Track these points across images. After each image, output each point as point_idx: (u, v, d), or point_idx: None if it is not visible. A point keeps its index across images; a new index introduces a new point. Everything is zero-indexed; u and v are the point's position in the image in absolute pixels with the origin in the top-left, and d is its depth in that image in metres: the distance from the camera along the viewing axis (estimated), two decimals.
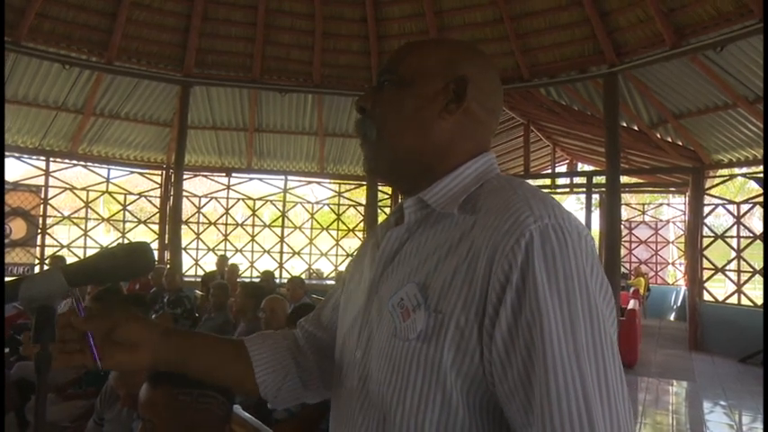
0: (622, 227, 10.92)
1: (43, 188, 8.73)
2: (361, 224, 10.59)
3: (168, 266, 7.44)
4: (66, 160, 8.96)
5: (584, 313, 0.63)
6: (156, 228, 9.76)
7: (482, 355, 0.66)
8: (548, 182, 10.53)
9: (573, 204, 22.39)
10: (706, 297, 8.34)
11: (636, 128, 8.19)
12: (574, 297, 0.63)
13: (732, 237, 8.47)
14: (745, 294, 8.02)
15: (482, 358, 0.66)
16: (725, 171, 8.55)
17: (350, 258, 10.80)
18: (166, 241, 9.23)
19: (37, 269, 8.42)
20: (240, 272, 10.02)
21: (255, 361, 0.93)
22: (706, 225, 8.51)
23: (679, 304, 11.75)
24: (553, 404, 0.59)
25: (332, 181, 10.79)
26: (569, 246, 0.65)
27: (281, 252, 10.33)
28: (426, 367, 0.68)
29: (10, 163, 8.57)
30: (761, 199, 7.67)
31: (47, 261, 8.39)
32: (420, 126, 0.81)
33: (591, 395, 0.59)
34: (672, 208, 14.23)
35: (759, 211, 8.07)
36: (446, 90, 0.81)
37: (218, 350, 0.95)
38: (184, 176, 8.74)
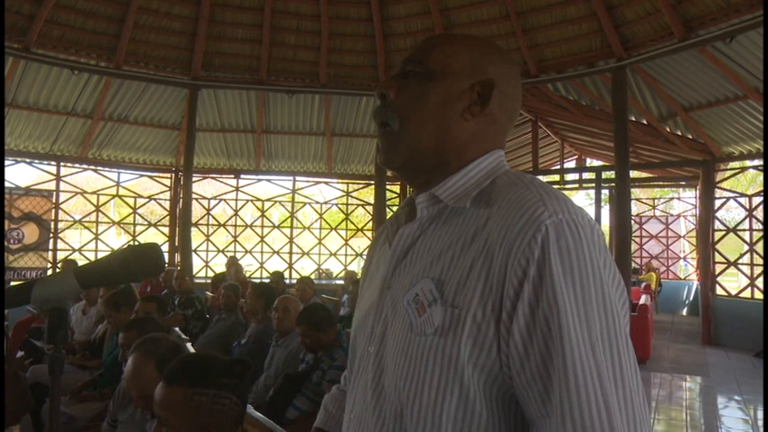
0: (633, 222, 10.86)
1: (54, 193, 8.81)
2: (370, 223, 10.60)
3: (178, 268, 7.48)
4: (77, 165, 9.04)
5: (598, 306, 0.64)
6: (166, 230, 9.82)
7: (499, 348, 0.67)
8: (557, 178, 10.45)
9: (582, 200, 22.28)
10: (719, 291, 8.26)
11: (645, 122, 8.13)
12: (588, 290, 0.64)
13: (744, 230, 8.38)
14: (758, 288, 7.93)
15: (499, 351, 0.67)
16: (736, 164, 8.45)
17: (359, 258, 10.84)
18: (176, 243, 9.29)
19: (49, 273, 8.50)
20: (250, 273, 10.11)
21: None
22: (717, 219, 8.42)
23: (691, 299, 11.65)
24: (572, 394, 0.61)
25: (340, 181, 10.80)
26: (583, 240, 0.66)
27: (291, 252, 10.36)
28: (444, 361, 0.69)
29: (22, 168, 8.66)
30: None
31: (59, 265, 8.48)
32: (442, 123, 0.81)
33: (607, 385, 0.61)
34: (683, 202, 14.09)
35: None
36: (471, 91, 0.81)
37: None
38: (193, 179, 8.79)
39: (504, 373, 0.67)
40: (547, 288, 0.64)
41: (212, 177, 10.28)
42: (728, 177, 8.84)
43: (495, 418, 0.69)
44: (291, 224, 10.42)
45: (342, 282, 8.71)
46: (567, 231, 0.66)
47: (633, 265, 10.17)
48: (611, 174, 8.22)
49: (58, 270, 8.33)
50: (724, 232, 8.45)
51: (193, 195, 8.97)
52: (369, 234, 10.73)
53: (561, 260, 0.64)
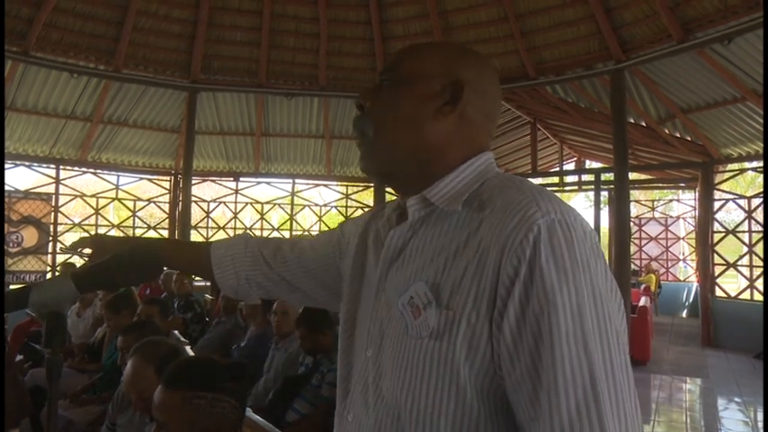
0: (632, 224, 10.86)
1: (54, 196, 8.81)
2: None
3: (178, 271, 7.47)
4: (76, 168, 9.04)
5: (590, 304, 0.64)
6: (165, 233, 9.81)
7: (493, 349, 0.67)
8: (556, 180, 10.46)
9: (581, 202, 22.28)
10: (718, 293, 8.27)
11: (644, 124, 8.14)
12: (581, 288, 0.64)
13: (743, 232, 8.39)
14: (757, 289, 7.94)
15: (494, 353, 0.67)
16: (735, 165, 8.46)
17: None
18: None
19: (48, 276, 8.49)
20: None
21: (215, 265, 1.12)
22: (717, 220, 8.44)
23: (691, 301, 11.66)
24: (561, 394, 0.61)
25: (339, 183, 10.81)
26: (575, 240, 0.66)
27: None
28: (440, 364, 0.69)
29: (21, 171, 8.66)
30: None
31: (58, 268, 8.47)
32: (415, 126, 0.82)
33: (599, 384, 0.61)
34: (682, 204, 14.12)
35: None
36: (442, 92, 0.82)
37: (189, 251, 1.26)
38: (193, 182, 8.78)
39: (499, 374, 0.67)
40: (537, 286, 0.64)
41: (211, 180, 10.29)
42: (727, 179, 8.85)
43: (493, 419, 0.69)
44: (291, 227, 10.42)
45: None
46: (560, 231, 0.66)
47: (633, 266, 10.17)
48: (610, 176, 8.22)
49: (57, 273, 8.32)
50: (723, 234, 8.46)
51: (193, 198, 8.97)
52: None
53: (554, 258, 0.64)
